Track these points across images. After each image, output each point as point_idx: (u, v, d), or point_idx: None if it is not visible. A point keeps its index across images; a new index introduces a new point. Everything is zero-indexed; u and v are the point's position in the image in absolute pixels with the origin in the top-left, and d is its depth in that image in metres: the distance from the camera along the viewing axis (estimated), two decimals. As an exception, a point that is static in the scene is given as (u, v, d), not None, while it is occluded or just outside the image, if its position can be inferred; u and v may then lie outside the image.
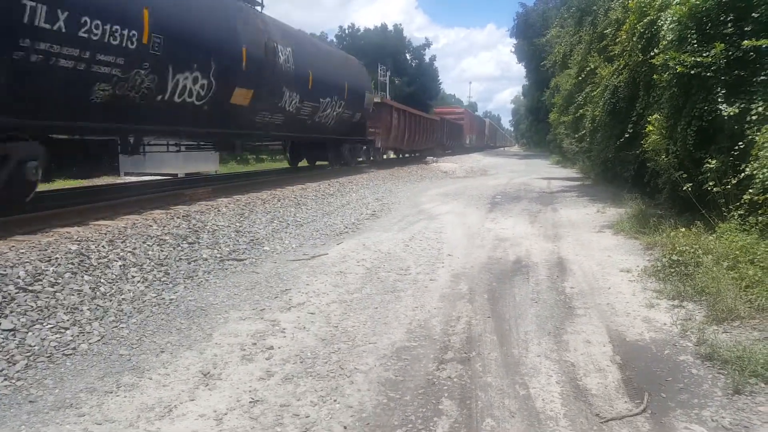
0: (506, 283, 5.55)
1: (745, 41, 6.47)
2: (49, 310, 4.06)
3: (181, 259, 5.82)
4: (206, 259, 6.00)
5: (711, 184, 6.62)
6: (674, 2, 7.69)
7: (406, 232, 8.24)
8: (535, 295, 5.16)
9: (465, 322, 4.39)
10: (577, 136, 19.58)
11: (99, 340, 3.88)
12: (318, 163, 18.59)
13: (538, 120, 51.84)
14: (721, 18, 6.97)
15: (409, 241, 7.47)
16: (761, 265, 4.80)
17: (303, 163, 18.52)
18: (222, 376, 3.36)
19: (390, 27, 65.74)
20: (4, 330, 3.66)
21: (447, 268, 6.09)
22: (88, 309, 4.27)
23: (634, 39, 10.16)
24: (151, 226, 6.60)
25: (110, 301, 4.52)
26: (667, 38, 7.60)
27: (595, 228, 8.76)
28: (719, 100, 6.71)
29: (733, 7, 6.92)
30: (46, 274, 4.51)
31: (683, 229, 6.49)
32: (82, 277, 4.71)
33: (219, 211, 8.13)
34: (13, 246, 5.09)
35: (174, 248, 6.03)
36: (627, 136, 11.25)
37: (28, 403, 3.02)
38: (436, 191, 14.62)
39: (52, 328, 3.87)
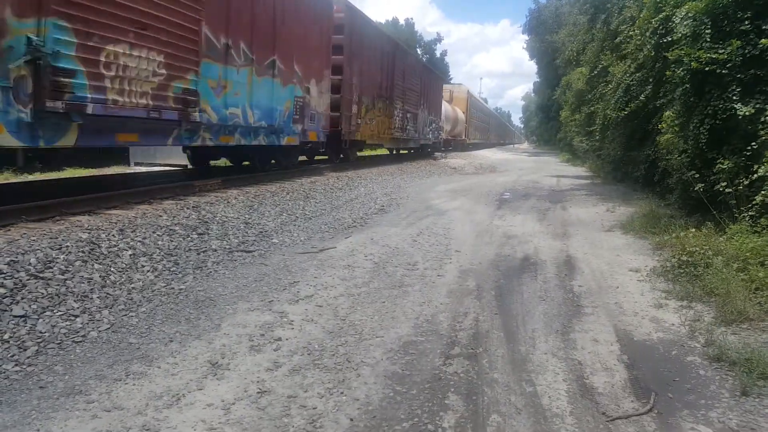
0: (514, 280, 5.54)
1: (763, 39, 6.40)
2: (59, 297, 4.10)
3: (190, 249, 5.85)
4: (215, 250, 6.03)
5: (723, 184, 6.57)
6: None
7: (414, 227, 8.24)
8: (542, 292, 5.15)
9: (472, 318, 4.39)
10: (589, 130, 19.50)
11: (108, 328, 3.91)
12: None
13: (549, 117, 51.69)
14: (738, 15, 6.90)
15: (417, 237, 7.47)
16: (772, 267, 4.77)
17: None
18: (230, 366, 3.38)
19: (401, 21, 65.60)
20: (15, 316, 3.70)
21: (455, 264, 6.09)
22: (98, 297, 4.30)
23: (648, 34, 10.08)
24: (161, 216, 6.64)
25: (120, 289, 4.56)
26: (680, 32, 7.53)
27: (604, 227, 8.71)
28: (734, 98, 6.65)
29: (750, 4, 6.84)
30: (57, 262, 4.55)
31: (693, 230, 6.46)
32: (93, 265, 4.75)
33: (228, 202, 8.16)
34: (25, 233, 5.14)
35: (183, 239, 6.06)
36: (640, 134, 11.19)
37: (39, 388, 3.06)
38: (445, 187, 14.59)
39: (62, 315, 3.91)
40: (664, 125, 8.59)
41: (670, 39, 8.54)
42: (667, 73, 8.36)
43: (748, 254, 5.13)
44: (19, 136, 5.54)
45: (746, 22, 6.80)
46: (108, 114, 6.55)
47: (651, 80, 10.84)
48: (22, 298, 3.91)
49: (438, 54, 68.02)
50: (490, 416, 2.91)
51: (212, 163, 12.96)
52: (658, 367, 3.59)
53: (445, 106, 34.51)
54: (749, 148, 6.37)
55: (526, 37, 48.17)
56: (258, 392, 3.06)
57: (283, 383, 3.18)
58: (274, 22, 10.57)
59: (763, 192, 5.79)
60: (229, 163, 13.32)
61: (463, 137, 42.97)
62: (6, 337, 3.48)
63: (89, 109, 6.20)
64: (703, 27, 7.16)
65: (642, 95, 10.90)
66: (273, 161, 12.84)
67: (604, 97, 15.60)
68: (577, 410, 3.00)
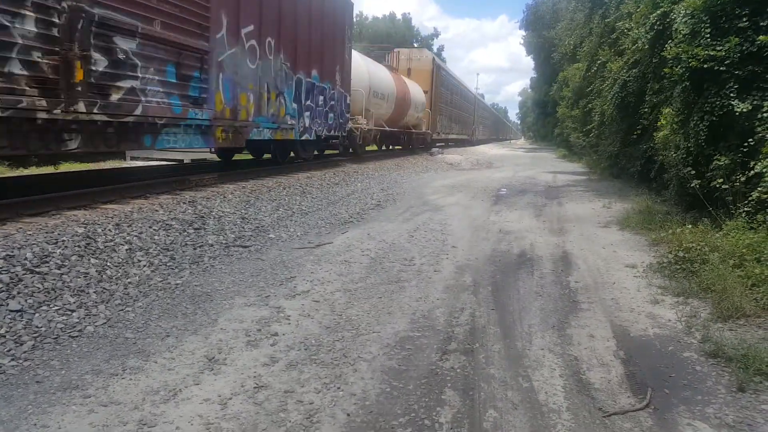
0: (510, 276, 5.54)
1: (761, 36, 6.40)
2: (55, 292, 4.08)
3: (187, 244, 5.83)
4: (212, 245, 6.02)
5: (719, 181, 6.59)
6: None
7: (411, 223, 8.24)
8: (539, 288, 5.15)
9: (469, 314, 4.40)
10: (585, 129, 19.55)
11: (105, 323, 3.90)
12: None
13: (545, 113, 51.63)
14: (736, 12, 6.90)
15: (413, 232, 7.46)
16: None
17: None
18: (227, 361, 3.38)
19: (399, 16, 65.50)
20: (11, 310, 3.68)
21: (451, 260, 6.09)
22: (94, 292, 4.29)
23: (645, 30, 10.08)
24: (157, 210, 6.61)
25: (116, 284, 4.54)
26: (681, 31, 7.54)
27: (600, 223, 8.73)
28: (731, 95, 6.66)
29: (748, 1, 6.85)
30: (53, 256, 4.53)
31: (690, 226, 6.47)
32: (89, 260, 4.73)
33: (225, 197, 8.13)
34: (21, 227, 5.11)
35: (180, 233, 6.04)
36: (635, 131, 11.21)
37: (35, 383, 3.05)
38: (441, 183, 14.59)
39: (58, 309, 3.89)
40: (663, 122, 8.59)
41: (668, 34, 8.54)
42: (665, 70, 8.37)
43: (744, 250, 5.14)
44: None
45: (744, 19, 6.81)
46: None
47: (649, 76, 10.83)
48: (18, 293, 3.89)
49: (435, 49, 67.97)
50: (487, 411, 2.91)
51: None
52: (655, 362, 3.60)
53: (385, 76, 20.59)
54: (746, 144, 6.39)
55: (523, 32, 48.12)
56: (255, 387, 3.06)
57: (280, 378, 3.18)
58: None
59: (759, 188, 5.80)
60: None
61: (425, 129, 27.71)
62: (2, 331, 3.46)
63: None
64: (702, 25, 7.16)
65: (646, 95, 10.90)
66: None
67: (602, 93, 15.62)
68: (574, 406, 3.01)
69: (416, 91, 25.51)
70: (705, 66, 6.95)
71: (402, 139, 25.26)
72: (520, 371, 3.40)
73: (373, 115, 19.00)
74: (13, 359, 3.26)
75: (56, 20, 5.48)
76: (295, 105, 11.70)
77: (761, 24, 6.64)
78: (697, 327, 4.13)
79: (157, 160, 14.37)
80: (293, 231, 7.25)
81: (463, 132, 41.98)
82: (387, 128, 21.12)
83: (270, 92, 10.41)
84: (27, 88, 5.23)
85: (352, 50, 16.18)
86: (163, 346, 3.56)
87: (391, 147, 25.96)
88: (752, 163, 6.13)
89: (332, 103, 14.15)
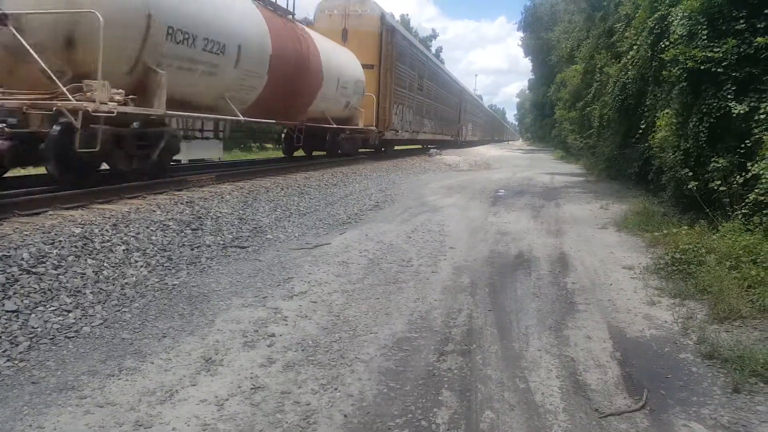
0: (508, 277, 5.55)
1: (758, 38, 6.43)
2: (52, 292, 4.07)
3: (184, 245, 5.83)
4: (209, 246, 6.01)
5: (717, 183, 6.60)
6: None
7: (409, 224, 8.24)
8: (536, 289, 5.16)
9: (466, 315, 4.40)
10: (583, 135, 19.59)
11: (101, 324, 3.89)
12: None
13: (543, 115, 51.76)
14: (734, 14, 6.93)
15: (411, 233, 7.47)
16: (764, 265, 4.80)
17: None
18: (224, 362, 3.37)
19: (397, 17, 65.55)
20: (7, 311, 3.67)
21: (449, 261, 6.09)
22: (91, 292, 4.28)
23: (644, 34, 10.12)
24: (154, 211, 6.60)
25: (113, 285, 4.53)
26: (678, 33, 7.56)
27: (598, 224, 8.74)
28: (729, 97, 6.68)
29: (745, 3, 6.87)
30: (50, 257, 4.52)
31: (686, 228, 6.49)
32: (86, 260, 4.72)
33: (222, 198, 8.13)
34: (17, 228, 5.09)
35: (177, 234, 6.03)
36: (634, 133, 11.24)
37: (31, 384, 3.04)
38: (440, 184, 14.59)
39: (55, 310, 3.88)
40: (661, 123, 8.62)
41: (665, 38, 8.57)
42: (663, 72, 8.40)
43: (740, 252, 5.15)
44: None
45: (741, 21, 6.83)
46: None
47: (649, 78, 10.86)
48: (15, 293, 3.88)
49: (433, 50, 68.02)
50: (484, 412, 2.91)
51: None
52: (651, 364, 3.60)
53: (232, 6, 9.41)
54: (743, 146, 6.41)
55: (521, 34, 48.27)
56: (251, 388, 3.06)
57: (277, 379, 3.18)
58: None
59: (756, 190, 5.82)
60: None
61: (363, 125, 17.51)
62: (-2, 332, 3.45)
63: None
64: (699, 26, 7.19)
65: (645, 98, 10.93)
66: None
67: (601, 97, 15.66)
68: (570, 407, 3.01)
69: (344, 61, 15.71)
70: (702, 67, 6.98)
71: (297, 138, 14.66)
72: (517, 372, 3.41)
73: (164, 84, 7.75)
74: (8, 360, 3.25)
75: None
76: None
77: (758, 26, 6.67)
78: (694, 328, 4.14)
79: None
80: (291, 232, 7.25)
81: (443, 131, 31.39)
82: (252, 119, 11.06)
83: None
84: None
85: None
86: (159, 347, 3.55)
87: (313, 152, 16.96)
88: (749, 164, 6.15)
89: None
